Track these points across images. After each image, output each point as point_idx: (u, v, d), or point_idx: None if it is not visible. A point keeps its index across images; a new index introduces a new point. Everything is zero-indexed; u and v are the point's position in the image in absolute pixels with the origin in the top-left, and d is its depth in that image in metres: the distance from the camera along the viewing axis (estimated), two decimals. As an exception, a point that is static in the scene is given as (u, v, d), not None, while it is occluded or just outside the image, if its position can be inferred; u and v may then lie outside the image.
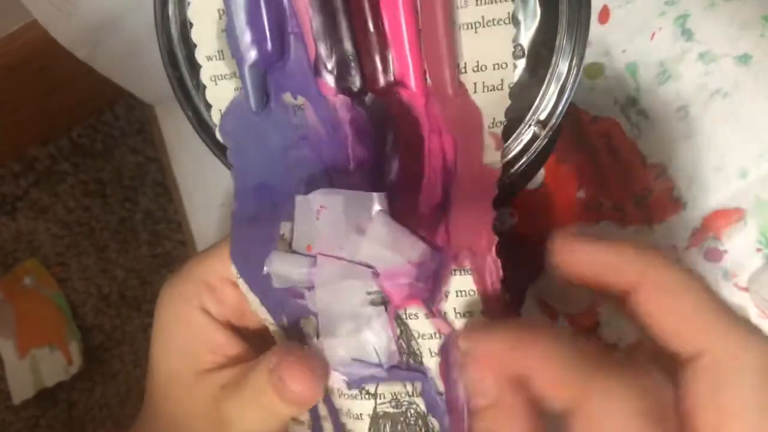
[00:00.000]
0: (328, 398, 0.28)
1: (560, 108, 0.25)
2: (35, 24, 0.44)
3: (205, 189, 0.52)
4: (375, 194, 0.25)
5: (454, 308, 0.25)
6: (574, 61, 0.25)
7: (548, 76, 0.25)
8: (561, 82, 0.25)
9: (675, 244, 0.39)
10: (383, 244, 0.24)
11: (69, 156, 0.99)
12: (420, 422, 0.27)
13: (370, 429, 0.27)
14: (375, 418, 0.27)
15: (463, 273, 0.24)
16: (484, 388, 0.22)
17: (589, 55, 0.25)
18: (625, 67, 0.41)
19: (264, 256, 0.26)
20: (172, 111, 0.54)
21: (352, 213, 0.24)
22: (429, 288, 0.25)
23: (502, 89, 0.24)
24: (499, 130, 0.24)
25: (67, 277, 0.98)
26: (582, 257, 0.23)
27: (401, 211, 0.25)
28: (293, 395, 0.25)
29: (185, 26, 0.27)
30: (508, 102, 0.24)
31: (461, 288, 0.25)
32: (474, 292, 0.24)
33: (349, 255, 0.25)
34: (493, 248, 0.24)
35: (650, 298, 0.22)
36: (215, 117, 0.27)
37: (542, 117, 0.25)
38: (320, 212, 0.25)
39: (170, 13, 0.27)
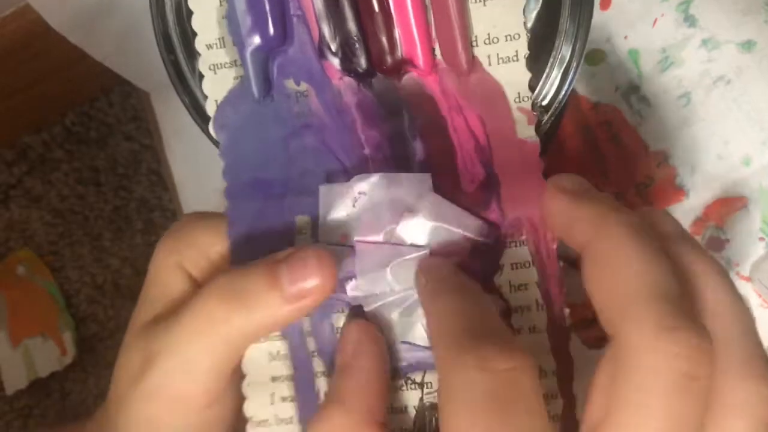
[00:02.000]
0: None
1: (563, 93, 0.25)
2: (28, 8, 0.44)
3: (200, 177, 0.52)
4: (421, 175, 0.24)
5: (509, 281, 0.24)
6: (577, 45, 0.25)
7: (551, 60, 0.25)
8: (563, 67, 0.25)
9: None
10: (439, 222, 0.24)
11: (63, 143, 0.98)
12: None
13: (415, 423, 0.25)
14: (421, 410, 0.25)
15: (518, 245, 0.24)
16: None
17: (590, 41, 0.25)
18: (626, 54, 0.41)
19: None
20: (168, 98, 0.53)
21: (399, 197, 0.24)
22: (481, 263, 0.24)
23: (517, 60, 0.24)
24: (527, 104, 0.24)
25: (60, 266, 0.98)
26: (551, 208, 0.22)
27: (444, 191, 0.25)
28: (301, 290, 0.22)
29: (180, 9, 0.27)
30: (528, 74, 0.24)
31: (516, 260, 0.24)
32: (529, 263, 0.24)
33: (397, 239, 0.24)
34: None
35: (589, 262, 0.20)
36: (211, 108, 0.27)
37: (545, 102, 0.25)
38: (358, 199, 0.24)
39: (165, -5, 0.27)
